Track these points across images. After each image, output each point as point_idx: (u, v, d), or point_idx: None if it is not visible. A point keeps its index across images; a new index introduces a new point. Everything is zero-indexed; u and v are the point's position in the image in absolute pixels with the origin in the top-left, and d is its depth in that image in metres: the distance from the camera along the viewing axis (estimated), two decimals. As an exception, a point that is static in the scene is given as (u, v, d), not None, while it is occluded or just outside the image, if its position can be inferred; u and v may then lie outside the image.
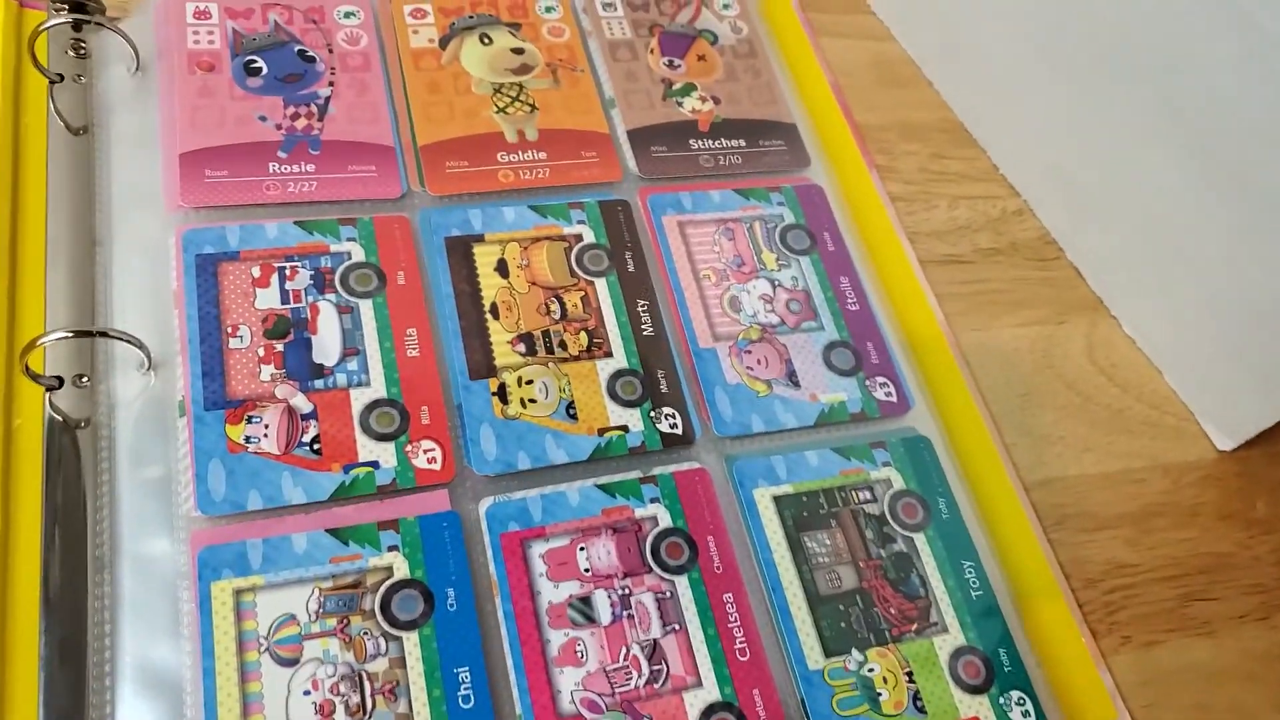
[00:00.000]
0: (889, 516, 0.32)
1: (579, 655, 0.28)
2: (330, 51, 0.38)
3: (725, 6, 0.43)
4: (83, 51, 0.36)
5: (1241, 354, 0.36)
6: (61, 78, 0.34)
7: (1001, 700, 0.29)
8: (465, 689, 0.27)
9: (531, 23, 0.40)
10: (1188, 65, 0.34)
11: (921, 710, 0.29)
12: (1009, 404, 0.36)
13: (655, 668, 0.28)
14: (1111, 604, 0.33)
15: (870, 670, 0.29)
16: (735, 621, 0.29)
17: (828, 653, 0.29)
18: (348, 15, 0.39)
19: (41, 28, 0.34)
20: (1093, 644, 0.32)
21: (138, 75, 0.36)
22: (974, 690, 0.29)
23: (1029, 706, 0.29)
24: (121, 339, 0.29)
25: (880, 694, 0.29)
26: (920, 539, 0.31)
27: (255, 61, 0.36)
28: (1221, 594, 0.34)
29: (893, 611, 0.30)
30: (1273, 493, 0.36)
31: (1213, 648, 0.33)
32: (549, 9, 0.41)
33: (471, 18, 0.40)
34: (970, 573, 0.31)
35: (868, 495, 0.32)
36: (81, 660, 0.26)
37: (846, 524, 0.31)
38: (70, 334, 0.29)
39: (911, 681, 0.29)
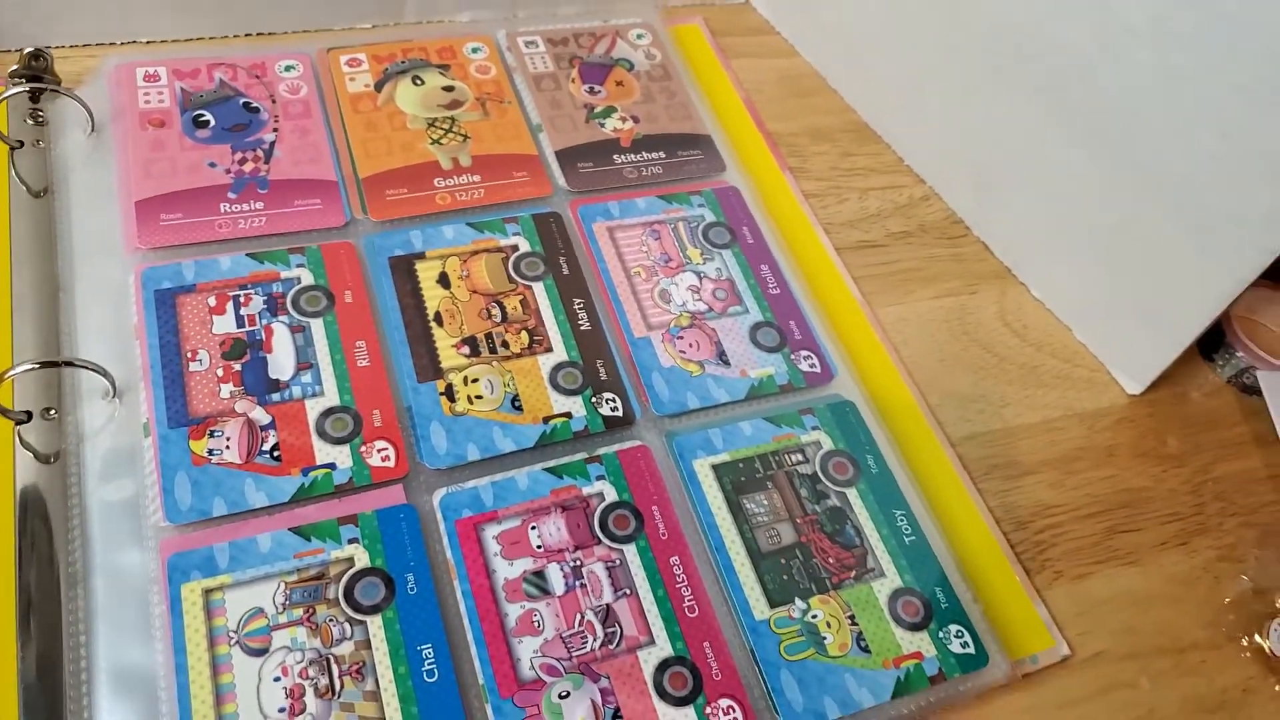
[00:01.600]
0: (821, 475, 0.34)
1: (536, 625, 0.29)
2: (273, 101, 0.40)
3: (639, 36, 0.47)
4: (40, 119, 0.38)
5: (1139, 305, 0.39)
6: (21, 144, 0.37)
7: (941, 634, 0.31)
8: (429, 664, 0.28)
9: (460, 63, 0.44)
10: (1066, 54, 0.37)
11: (865, 649, 0.30)
12: (929, 369, 0.39)
13: (609, 630, 0.29)
14: (1042, 543, 0.35)
15: (814, 617, 0.31)
16: (683, 582, 0.31)
17: (772, 603, 0.31)
18: (288, 68, 0.42)
19: (0, 99, 0.36)
20: (1026, 581, 0.34)
21: (94, 136, 0.38)
22: (914, 628, 0.31)
23: (967, 638, 0.31)
24: (86, 367, 0.31)
25: (825, 638, 0.30)
26: (852, 493, 0.34)
27: (203, 115, 0.39)
28: (1142, 525, 0.36)
29: (831, 561, 0.32)
30: (1181, 429, 0.39)
31: (1138, 575, 0.35)
32: (475, 49, 0.44)
33: (403, 63, 0.43)
34: (902, 520, 0.33)
35: (800, 457, 0.34)
36: (58, 670, 0.27)
37: (782, 485, 0.33)
38: (36, 365, 0.30)
39: (854, 624, 0.31)
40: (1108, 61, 0.36)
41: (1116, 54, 0.35)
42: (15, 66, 0.39)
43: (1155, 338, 0.38)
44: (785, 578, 0.31)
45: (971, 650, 0.31)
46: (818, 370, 0.36)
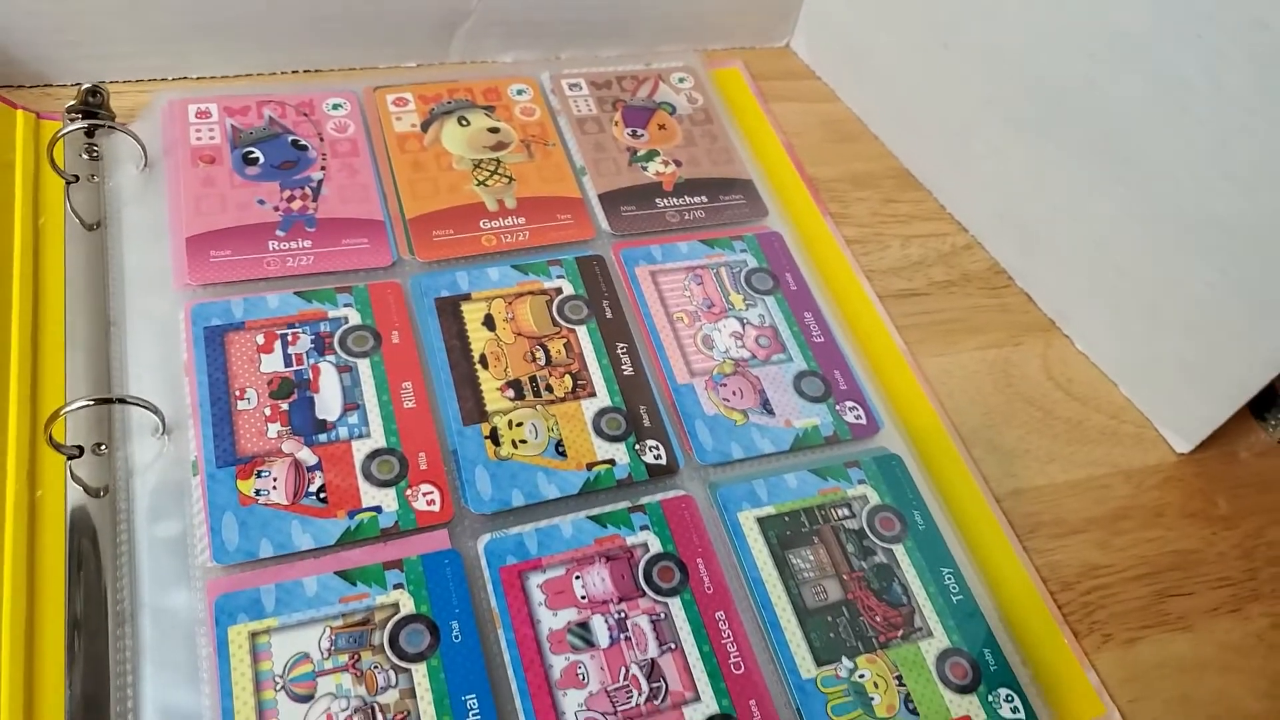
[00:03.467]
0: (868, 530, 0.34)
1: (580, 677, 0.30)
2: (321, 140, 0.42)
3: (681, 80, 0.48)
4: (95, 154, 0.40)
5: (1188, 362, 0.39)
6: (77, 178, 0.38)
7: (990, 698, 0.31)
8: (474, 715, 0.28)
9: (504, 105, 0.45)
10: (1116, 108, 0.38)
11: (914, 712, 0.31)
12: (974, 422, 0.39)
13: (654, 685, 0.30)
14: (1089, 604, 0.35)
15: (861, 676, 0.31)
16: (728, 637, 0.31)
17: (819, 662, 0.31)
18: (335, 107, 0.43)
19: (58, 135, 0.38)
20: (1075, 643, 0.34)
21: (146, 171, 0.40)
22: (962, 690, 0.31)
23: (1017, 703, 0.31)
24: (138, 404, 0.32)
25: (873, 698, 0.31)
26: (899, 550, 0.34)
27: (253, 152, 0.41)
28: (1194, 589, 0.36)
29: (878, 619, 0.32)
30: (1232, 490, 0.39)
31: (1191, 641, 0.35)
32: (520, 91, 0.46)
33: (449, 103, 0.44)
34: (950, 579, 0.34)
35: (846, 512, 0.35)
36: (104, 709, 0.27)
37: (828, 540, 0.34)
38: (91, 402, 0.31)
39: (901, 684, 0.31)
40: (1160, 117, 0.37)
41: (1170, 111, 0.36)
42: (72, 102, 0.40)
43: (1205, 396, 0.39)
44: (832, 635, 0.32)
45: (1022, 715, 0.31)
46: (863, 422, 0.37)
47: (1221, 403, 0.39)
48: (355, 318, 0.36)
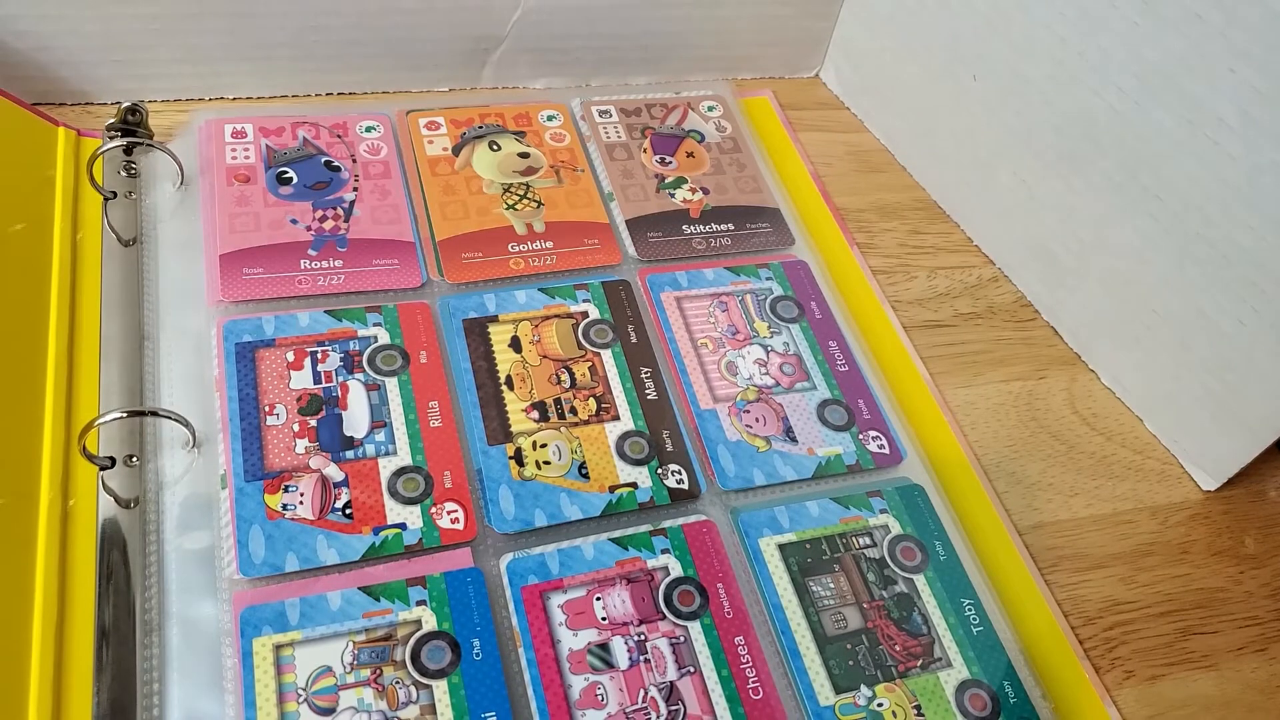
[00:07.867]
0: (889, 560, 0.35)
1: (599, 698, 0.31)
2: (354, 161, 0.44)
3: (710, 109, 0.50)
4: (133, 171, 0.42)
5: (1216, 398, 0.40)
6: (115, 195, 0.40)
7: (1010, 733, 0.32)
8: (493, 733, 0.29)
9: (535, 130, 0.47)
10: (1147, 143, 0.39)
11: (932, 744, 0.31)
12: (997, 454, 0.40)
13: (673, 708, 0.31)
14: (1111, 640, 0.36)
15: (879, 705, 0.32)
16: (747, 662, 0.32)
17: (837, 689, 0.32)
18: (369, 129, 0.45)
19: (98, 152, 0.40)
20: (1096, 679, 0.35)
21: (182, 189, 0.42)
22: (982, 723, 0.32)
23: (1037, 738, 0.32)
24: (170, 417, 0.33)
25: (891, 729, 0.31)
26: (920, 580, 0.35)
27: (286, 172, 0.43)
28: (1219, 628, 0.37)
29: (898, 649, 0.33)
30: (1260, 529, 0.40)
31: (1215, 680, 0.35)
32: (550, 117, 0.48)
33: (481, 128, 0.46)
34: (970, 610, 0.34)
35: (867, 541, 0.35)
36: (131, 716, 0.29)
37: (849, 568, 0.35)
38: (124, 414, 0.33)
39: (920, 715, 0.32)
40: (1190, 152, 0.38)
41: (1201, 145, 0.37)
42: (112, 120, 0.42)
43: (1232, 433, 0.40)
44: (851, 663, 0.32)
45: (1042, 750, 0.32)
46: (886, 452, 0.38)
47: (1249, 441, 0.39)
48: (384, 337, 0.38)
